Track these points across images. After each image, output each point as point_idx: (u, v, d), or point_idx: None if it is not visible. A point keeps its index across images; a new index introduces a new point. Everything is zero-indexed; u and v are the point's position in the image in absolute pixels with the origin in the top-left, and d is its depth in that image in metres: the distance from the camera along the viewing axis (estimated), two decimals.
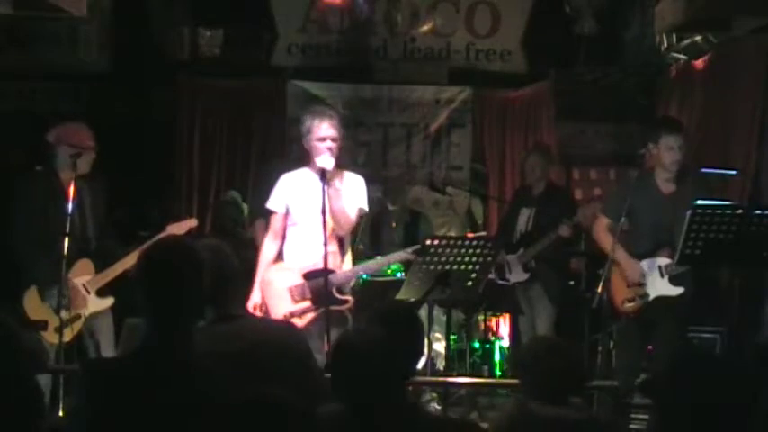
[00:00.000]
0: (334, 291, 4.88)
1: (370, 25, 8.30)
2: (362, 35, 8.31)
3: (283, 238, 5.15)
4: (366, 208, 5.18)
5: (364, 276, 6.89)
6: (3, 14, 6.05)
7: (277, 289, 5.05)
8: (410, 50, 8.35)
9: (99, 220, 5.54)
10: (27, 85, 8.10)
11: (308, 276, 4.98)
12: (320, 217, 4.77)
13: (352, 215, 5.08)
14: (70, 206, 5.18)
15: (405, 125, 8.33)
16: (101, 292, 5.42)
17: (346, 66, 8.29)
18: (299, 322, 4.82)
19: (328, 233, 4.84)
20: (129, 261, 5.21)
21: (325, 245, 4.79)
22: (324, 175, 4.84)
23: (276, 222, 5.15)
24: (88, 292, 5.37)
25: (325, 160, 4.89)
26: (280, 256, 5.15)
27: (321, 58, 8.33)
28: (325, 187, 4.82)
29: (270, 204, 5.18)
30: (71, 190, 5.20)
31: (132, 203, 7.40)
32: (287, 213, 5.12)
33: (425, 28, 8.34)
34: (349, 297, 5.05)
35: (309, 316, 4.94)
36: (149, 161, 7.85)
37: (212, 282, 3.10)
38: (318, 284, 4.87)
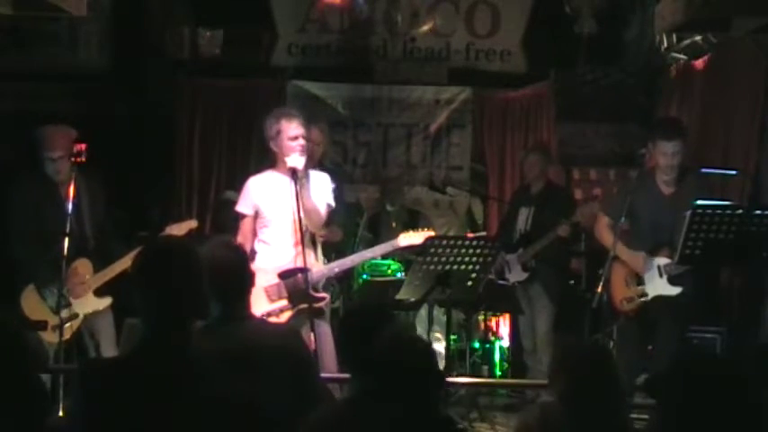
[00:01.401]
0: (309, 288, 4.92)
1: (370, 25, 8.30)
2: (362, 35, 8.31)
3: (253, 239, 5.17)
4: (333, 203, 5.23)
5: (364, 276, 6.91)
6: (3, 14, 6.04)
7: (253, 289, 5.08)
8: (410, 50, 8.35)
9: (97, 219, 5.52)
10: (27, 85, 8.09)
11: (284, 276, 5.00)
12: (293, 216, 4.85)
13: (323, 211, 5.13)
14: (70, 206, 5.17)
15: (405, 125, 8.34)
16: (99, 292, 5.41)
17: (346, 66, 8.29)
18: (277, 321, 4.85)
19: (301, 231, 4.87)
20: (128, 261, 5.19)
21: (300, 244, 4.84)
22: (295, 174, 4.90)
23: (245, 225, 5.17)
24: (86, 292, 5.36)
25: (296, 159, 4.94)
26: (251, 257, 5.15)
27: (321, 58, 8.34)
28: (297, 187, 4.87)
29: (239, 207, 5.20)
30: (70, 190, 5.18)
31: (132, 203, 7.38)
32: (256, 216, 5.15)
33: (425, 28, 8.34)
34: (325, 294, 5.12)
35: (286, 314, 4.97)
36: (149, 161, 7.84)
37: (221, 280, 3.10)
38: (294, 283, 4.93)
